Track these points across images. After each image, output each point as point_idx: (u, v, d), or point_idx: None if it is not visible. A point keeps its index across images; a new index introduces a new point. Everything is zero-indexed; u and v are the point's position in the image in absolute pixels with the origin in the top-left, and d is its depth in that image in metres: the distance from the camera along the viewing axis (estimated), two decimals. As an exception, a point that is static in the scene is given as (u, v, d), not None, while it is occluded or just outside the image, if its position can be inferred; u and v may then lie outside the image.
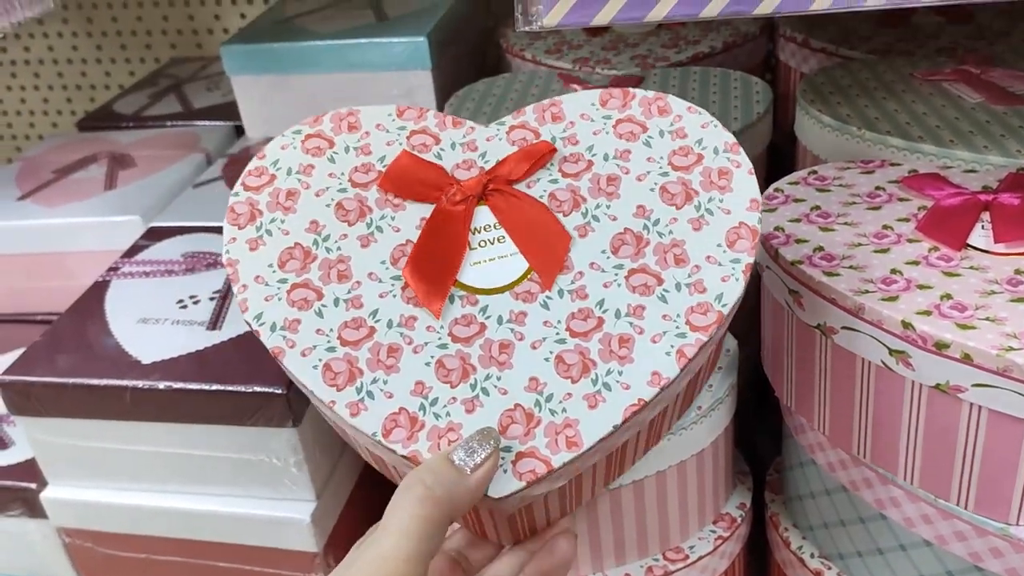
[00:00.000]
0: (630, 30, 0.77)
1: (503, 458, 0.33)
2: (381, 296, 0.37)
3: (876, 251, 0.44)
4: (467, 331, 0.36)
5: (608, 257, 0.38)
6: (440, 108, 0.71)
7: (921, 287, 0.41)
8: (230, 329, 0.52)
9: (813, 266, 0.43)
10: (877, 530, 0.46)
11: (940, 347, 0.38)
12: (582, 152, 0.41)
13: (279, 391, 0.47)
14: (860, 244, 0.44)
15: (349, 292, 0.37)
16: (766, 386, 0.58)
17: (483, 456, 0.32)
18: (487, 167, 0.41)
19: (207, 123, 0.78)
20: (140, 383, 0.49)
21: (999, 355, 0.37)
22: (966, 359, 0.38)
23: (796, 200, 0.49)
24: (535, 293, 0.37)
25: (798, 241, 0.45)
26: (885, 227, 0.46)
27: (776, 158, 0.67)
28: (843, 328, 0.42)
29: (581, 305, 0.37)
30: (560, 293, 0.37)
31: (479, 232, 0.39)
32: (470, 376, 0.35)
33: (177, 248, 0.59)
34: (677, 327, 0.36)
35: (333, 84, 0.72)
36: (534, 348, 0.36)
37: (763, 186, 0.52)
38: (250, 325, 0.37)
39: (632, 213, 0.39)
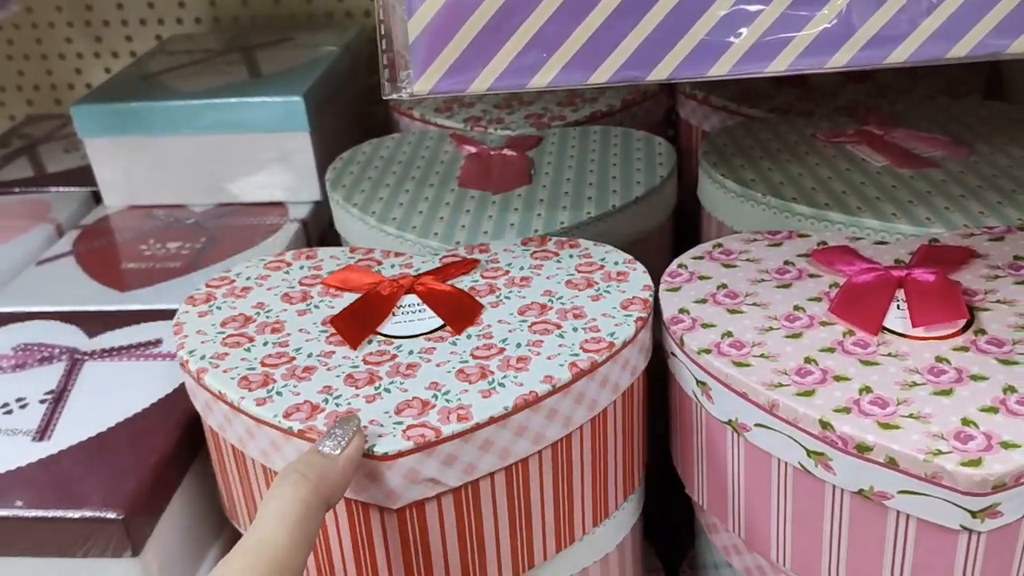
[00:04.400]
0: (524, 87, 0.73)
1: (393, 427, 0.36)
2: (307, 341, 0.42)
3: (788, 336, 0.40)
4: (379, 358, 0.41)
5: (514, 316, 0.43)
6: (323, 171, 0.65)
7: (838, 378, 0.37)
8: (62, 438, 0.44)
9: (722, 355, 0.39)
10: (801, 640, 0.42)
11: (862, 450, 0.34)
12: (502, 266, 0.47)
13: (115, 515, 0.40)
14: (771, 328, 0.41)
15: (279, 338, 0.43)
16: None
17: (348, 438, 0.34)
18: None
19: (61, 189, 0.71)
20: (-52, 509, 0.41)
21: (927, 460, 0.33)
22: (891, 463, 0.34)
23: (701, 277, 0.45)
24: (446, 338, 0.42)
25: (704, 326, 0.41)
26: (796, 308, 0.42)
27: (683, 220, 0.63)
28: (756, 425, 0.38)
29: (486, 342, 0.41)
30: (468, 336, 0.42)
31: (403, 308, 0.44)
32: (375, 382, 0.39)
33: (8, 339, 0.52)
34: (572, 351, 0.40)
35: (202, 146, 0.65)
36: (439, 366, 0.40)
37: (673, 254, 0.48)
38: (180, 360, 0.42)
39: (540, 294, 0.44)
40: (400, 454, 0.35)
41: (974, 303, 0.41)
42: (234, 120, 0.64)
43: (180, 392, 0.47)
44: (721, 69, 0.37)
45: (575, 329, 0.41)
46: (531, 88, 0.37)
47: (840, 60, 0.37)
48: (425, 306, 0.44)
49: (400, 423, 0.36)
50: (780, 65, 0.37)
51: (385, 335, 0.42)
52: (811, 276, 0.44)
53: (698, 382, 0.40)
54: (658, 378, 0.45)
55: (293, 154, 0.65)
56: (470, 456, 0.36)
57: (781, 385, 0.37)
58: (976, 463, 0.32)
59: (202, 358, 0.41)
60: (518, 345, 0.40)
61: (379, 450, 0.35)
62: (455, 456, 0.36)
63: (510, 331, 0.42)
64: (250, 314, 0.45)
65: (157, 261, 0.60)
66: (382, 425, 0.36)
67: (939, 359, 0.38)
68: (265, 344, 0.42)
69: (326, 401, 0.38)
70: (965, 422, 0.34)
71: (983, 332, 0.39)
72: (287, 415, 0.37)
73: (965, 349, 0.38)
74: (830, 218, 0.50)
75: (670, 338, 0.42)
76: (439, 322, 0.43)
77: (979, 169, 0.53)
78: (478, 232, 0.53)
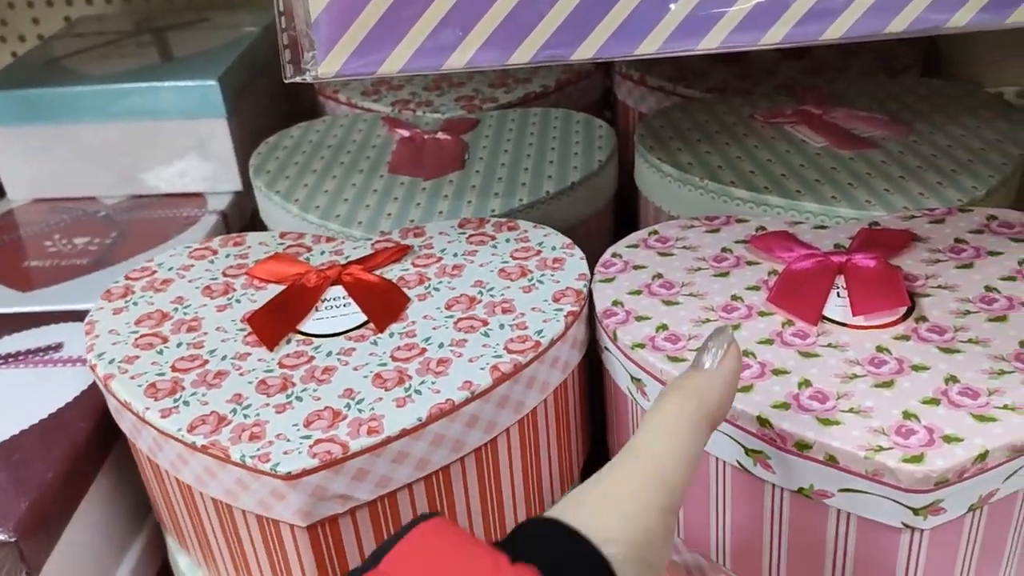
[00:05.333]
0: (455, 69, 0.70)
1: (300, 442, 0.33)
2: (223, 341, 0.40)
3: (725, 328, 0.38)
4: (295, 361, 0.38)
5: (441, 311, 0.40)
6: (244, 160, 0.62)
7: (777, 372, 0.35)
8: (-50, 456, 0.41)
9: (656, 350, 0.37)
10: (743, 640, 0.40)
11: (801, 447, 0.33)
12: (435, 253, 0.45)
13: (6, 538, 0.37)
14: (708, 320, 0.39)
15: (194, 339, 0.40)
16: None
17: (723, 350, 0.30)
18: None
19: (-39, 182, 0.66)
20: None
21: (868, 456, 0.31)
22: (831, 461, 0.32)
23: (636, 267, 0.43)
24: (367, 336, 0.39)
25: (639, 319, 0.39)
26: (734, 298, 0.40)
27: (623, 205, 0.61)
28: (693, 423, 0.36)
29: (408, 341, 0.39)
30: (391, 335, 0.39)
31: (328, 301, 0.42)
32: (288, 389, 0.37)
33: None
34: (495, 352, 0.37)
35: (112, 135, 0.61)
36: (356, 370, 0.37)
37: (613, 240, 0.46)
38: (89, 363, 0.40)
39: (471, 284, 0.42)
40: (305, 472, 0.33)
41: (915, 289, 0.40)
42: (145, 106, 0.60)
43: (82, 400, 0.44)
44: (650, 47, 0.35)
45: (502, 326, 0.39)
46: (446, 70, 0.34)
47: (775, 36, 0.35)
48: (350, 300, 0.42)
49: (308, 438, 0.34)
50: (712, 42, 0.35)
51: (305, 334, 0.40)
52: (749, 264, 0.42)
53: (633, 379, 0.38)
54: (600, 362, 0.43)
55: (210, 142, 0.61)
56: (383, 469, 0.34)
57: None
58: (918, 459, 0.31)
59: (111, 362, 0.39)
60: (440, 345, 0.38)
61: (282, 469, 0.33)
62: (366, 471, 0.34)
63: (434, 328, 0.39)
64: (167, 310, 0.42)
65: (63, 258, 0.56)
66: (288, 440, 0.34)
67: (880, 349, 0.36)
68: (179, 345, 0.40)
69: (234, 412, 0.35)
70: (907, 415, 0.33)
71: (924, 319, 0.38)
72: (192, 428, 0.35)
73: (906, 338, 0.37)
74: (769, 202, 0.48)
75: (603, 332, 0.40)
76: (363, 317, 0.40)
77: (918, 149, 0.52)
78: (404, 221, 0.50)
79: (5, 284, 0.54)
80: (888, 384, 0.34)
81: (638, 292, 0.41)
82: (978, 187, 0.48)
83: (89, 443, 0.42)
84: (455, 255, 0.44)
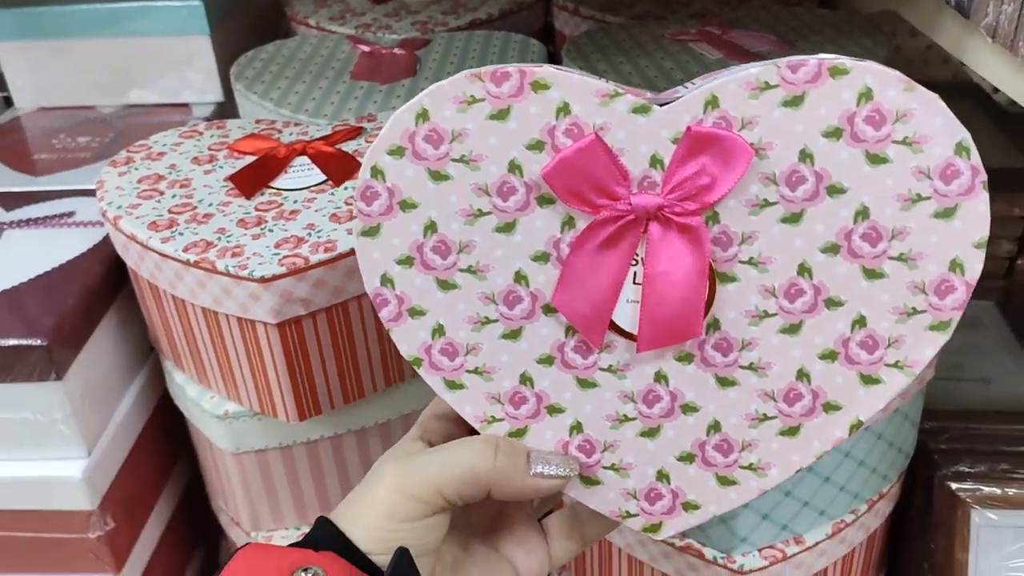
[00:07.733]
0: (412, -2, 0.79)
1: (272, 257, 0.43)
2: (210, 193, 0.49)
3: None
4: (268, 207, 0.48)
5: None
6: (225, 74, 0.70)
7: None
8: (-12, 288, 0.50)
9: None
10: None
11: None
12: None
13: (39, 342, 0.46)
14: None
15: (185, 192, 0.50)
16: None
17: (552, 472, 0.32)
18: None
19: (-28, 94, 0.75)
20: None
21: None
22: None
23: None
24: (326, 189, 0.49)
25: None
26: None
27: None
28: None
29: None
30: (344, 188, 0.49)
31: (295, 168, 0.51)
32: (262, 224, 0.46)
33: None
34: None
35: (108, 50, 0.70)
36: (317, 211, 0.47)
37: None
38: (100, 209, 0.49)
39: None
40: (275, 277, 0.42)
41: (723, 262, 0.31)
42: (138, 24, 0.69)
43: (94, 250, 0.53)
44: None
45: None
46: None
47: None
48: (314, 166, 0.51)
49: (278, 254, 0.43)
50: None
51: (276, 188, 0.49)
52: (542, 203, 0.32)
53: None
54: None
55: (195, 57, 0.70)
56: (337, 281, 0.44)
57: None
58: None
59: (119, 208, 0.48)
60: None
61: (257, 274, 0.42)
62: (324, 280, 0.43)
63: None
64: (163, 173, 0.52)
65: (68, 152, 0.65)
66: (262, 256, 0.43)
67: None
68: (173, 196, 0.49)
69: (219, 239, 0.45)
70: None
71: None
72: (185, 249, 0.44)
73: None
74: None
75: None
76: (324, 178, 0.50)
77: (797, 61, 0.62)
78: (363, 115, 0.60)
79: (20, 171, 0.63)
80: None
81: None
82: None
83: (103, 280, 0.52)
84: None
